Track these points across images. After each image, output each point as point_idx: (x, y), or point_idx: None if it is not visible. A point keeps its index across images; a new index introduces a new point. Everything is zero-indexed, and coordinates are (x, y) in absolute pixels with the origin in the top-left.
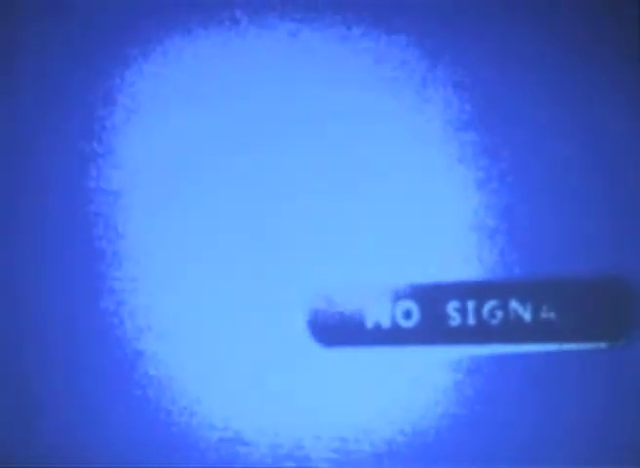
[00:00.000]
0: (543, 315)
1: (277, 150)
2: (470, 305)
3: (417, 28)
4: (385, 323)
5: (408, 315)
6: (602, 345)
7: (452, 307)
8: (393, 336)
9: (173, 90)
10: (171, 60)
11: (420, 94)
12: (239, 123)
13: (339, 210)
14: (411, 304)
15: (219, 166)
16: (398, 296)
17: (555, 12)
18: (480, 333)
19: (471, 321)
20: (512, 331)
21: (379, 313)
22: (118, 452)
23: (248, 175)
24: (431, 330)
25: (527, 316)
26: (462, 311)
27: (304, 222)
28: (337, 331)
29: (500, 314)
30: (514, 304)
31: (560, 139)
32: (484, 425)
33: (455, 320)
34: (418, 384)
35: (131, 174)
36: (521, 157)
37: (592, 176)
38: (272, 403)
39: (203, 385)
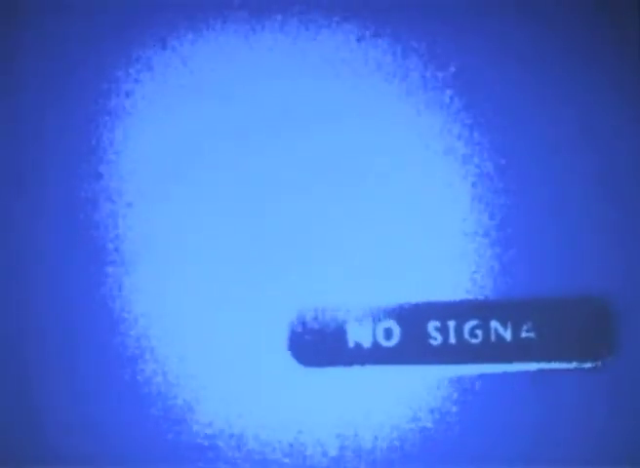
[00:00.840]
0: (524, 335)
1: (270, 156)
2: (451, 325)
3: (417, 28)
4: (366, 342)
5: (389, 334)
6: (582, 365)
7: (432, 327)
8: (374, 356)
9: (173, 89)
10: (171, 60)
11: (419, 97)
12: (236, 125)
13: (322, 229)
14: (392, 324)
15: (213, 172)
16: (379, 316)
17: (555, 12)
18: (461, 353)
19: (452, 340)
20: (493, 350)
21: (360, 332)
22: (116, 452)
23: (237, 189)
24: (412, 349)
25: (507, 335)
26: (443, 331)
27: (287, 242)
28: (317, 350)
29: (480, 333)
30: (495, 324)
31: (543, 159)
32: (466, 442)
33: (435, 339)
34: (398, 403)
35: (130, 173)
36: (505, 179)
37: (573, 198)
38: (253, 420)
39: (189, 395)
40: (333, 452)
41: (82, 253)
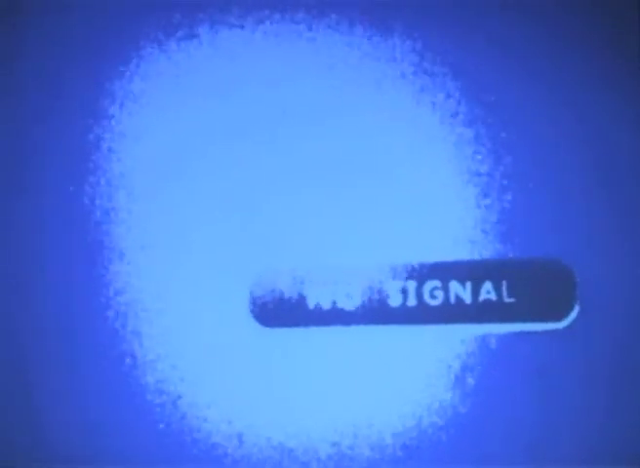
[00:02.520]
0: (484, 296)
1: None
2: (411, 286)
3: (416, 28)
4: (326, 304)
5: (349, 296)
6: (542, 326)
7: (392, 288)
8: (334, 317)
9: (173, 89)
10: (171, 60)
11: (411, 83)
12: (235, 124)
13: (282, 192)
14: (352, 285)
15: (211, 169)
16: (339, 278)
17: (555, 11)
18: (420, 314)
19: (412, 302)
20: (453, 312)
21: (320, 294)
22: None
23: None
24: (372, 310)
25: (467, 297)
26: (403, 292)
27: (247, 205)
28: (278, 312)
29: (440, 295)
30: (455, 285)
31: (514, 126)
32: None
33: (395, 301)
34: (357, 364)
35: (130, 172)
36: (473, 145)
37: (535, 163)
38: (213, 381)
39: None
40: (292, 413)
41: (82, 253)
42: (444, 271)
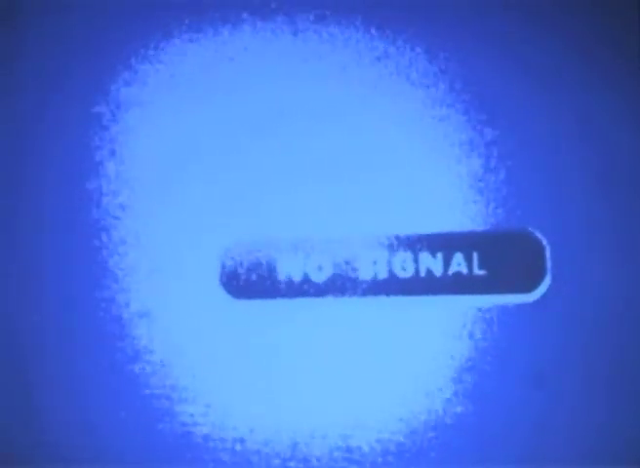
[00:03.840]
0: (455, 268)
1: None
2: (381, 258)
3: (416, 28)
4: (297, 276)
5: (320, 268)
6: (512, 298)
7: (363, 260)
8: (305, 289)
9: (173, 88)
10: (171, 60)
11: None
12: (235, 123)
13: (253, 163)
14: (323, 258)
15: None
16: (310, 250)
17: (555, 12)
18: (391, 286)
19: (382, 274)
20: (423, 284)
21: (290, 266)
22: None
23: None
24: (342, 283)
25: (438, 270)
26: (374, 264)
27: (219, 176)
28: (249, 283)
29: (410, 267)
30: (425, 257)
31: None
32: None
33: (366, 273)
34: (328, 335)
35: (130, 172)
36: (447, 121)
37: (505, 135)
38: (185, 353)
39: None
40: (262, 382)
41: (82, 253)
42: (415, 243)
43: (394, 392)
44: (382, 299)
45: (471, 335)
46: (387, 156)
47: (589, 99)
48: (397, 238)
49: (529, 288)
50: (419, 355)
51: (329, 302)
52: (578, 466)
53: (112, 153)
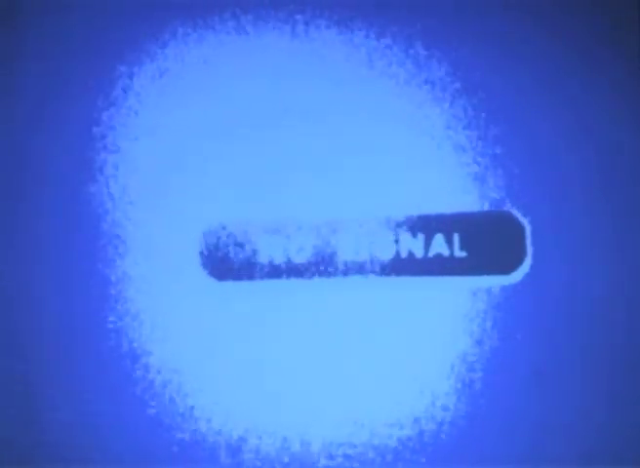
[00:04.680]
0: (435, 250)
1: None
2: (362, 240)
3: (416, 28)
4: (279, 257)
5: (301, 250)
6: (493, 279)
7: (344, 242)
8: (285, 271)
9: (173, 88)
10: (171, 59)
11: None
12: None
13: (234, 146)
14: (304, 239)
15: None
16: (291, 231)
17: (555, 12)
18: (372, 268)
19: (363, 255)
20: (404, 265)
21: (272, 247)
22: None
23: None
24: (324, 264)
25: (419, 251)
26: (355, 246)
27: (200, 159)
28: (230, 265)
29: (391, 249)
30: (406, 239)
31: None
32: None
33: (347, 254)
34: (310, 316)
35: (130, 171)
36: (428, 103)
37: (490, 118)
38: (165, 335)
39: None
40: (244, 365)
41: (82, 254)
42: (396, 225)
43: (374, 370)
44: (364, 280)
45: (453, 316)
46: (368, 139)
47: (574, 84)
48: (378, 219)
49: (509, 269)
50: (400, 335)
51: (310, 284)
52: (578, 466)
53: (105, 146)
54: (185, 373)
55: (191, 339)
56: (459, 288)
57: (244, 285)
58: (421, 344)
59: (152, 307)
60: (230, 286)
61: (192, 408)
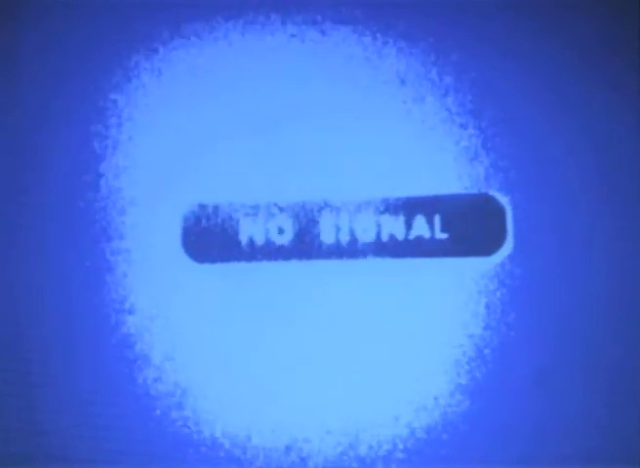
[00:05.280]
0: (416, 231)
1: None
2: (343, 222)
3: (415, 29)
4: (259, 239)
5: (281, 231)
6: (474, 261)
7: (325, 224)
8: (267, 252)
9: (174, 88)
10: (173, 59)
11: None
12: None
13: (214, 127)
14: (284, 220)
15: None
16: (272, 213)
17: (556, 12)
18: (353, 249)
19: (344, 237)
20: (385, 247)
21: (252, 229)
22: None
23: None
24: (304, 246)
25: (400, 233)
26: (336, 228)
27: (180, 139)
28: (210, 247)
29: (372, 231)
30: (386, 220)
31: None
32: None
33: (328, 236)
34: (290, 299)
35: (130, 172)
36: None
37: (471, 102)
38: (146, 317)
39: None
40: (226, 349)
41: (82, 254)
42: (377, 206)
43: (354, 353)
44: (344, 263)
45: (434, 298)
46: (350, 119)
47: (557, 67)
48: (359, 201)
49: (490, 251)
50: (381, 317)
51: (291, 265)
52: (578, 466)
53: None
54: (160, 353)
55: (168, 319)
56: (440, 269)
57: (225, 267)
58: (404, 327)
59: (130, 286)
60: (211, 268)
61: (182, 395)
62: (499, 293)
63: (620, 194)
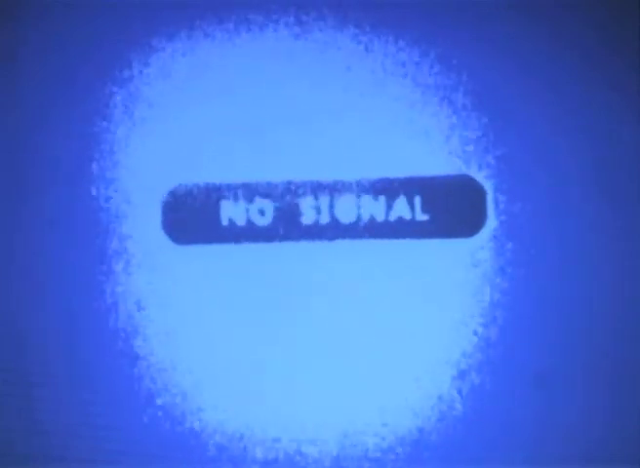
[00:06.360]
0: (397, 213)
1: None
2: (323, 203)
3: (416, 29)
4: (240, 220)
5: (262, 212)
6: (454, 242)
7: (305, 205)
8: (247, 234)
9: (175, 88)
10: (174, 59)
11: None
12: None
13: (195, 108)
14: (265, 202)
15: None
16: (252, 194)
17: (555, 11)
18: (333, 230)
19: (325, 218)
20: (365, 227)
21: (233, 210)
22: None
23: None
24: (285, 227)
25: (380, 214)
26: (316, 209)
27: (161, 120)
28: (191, 228)
29: (353, 211)
30: (367, 202)
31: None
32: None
33: (308, 217)
34: (272, 281)
35: (131, 172)
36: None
37: (452, 85)
38: (128, 298)
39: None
40: (208, 329)
41: (83, 254)
42: (358, 188)
43: (336, 334)
44: (325, 244)
45: (415, 279)
46: (331, 101)
47: (555, 64)
48: (340, 183)
49: (471, 232)
50: (362, 298)
51: (271, 247)
52: (578, 466)
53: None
54: (142, 334)
55: (149, 301)
56: (421, 251)
57: (205, 248)
58: (385, 308)
59: (110, 267)
60: (190, 249)
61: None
62: (479, 274)
63: (621, 194)
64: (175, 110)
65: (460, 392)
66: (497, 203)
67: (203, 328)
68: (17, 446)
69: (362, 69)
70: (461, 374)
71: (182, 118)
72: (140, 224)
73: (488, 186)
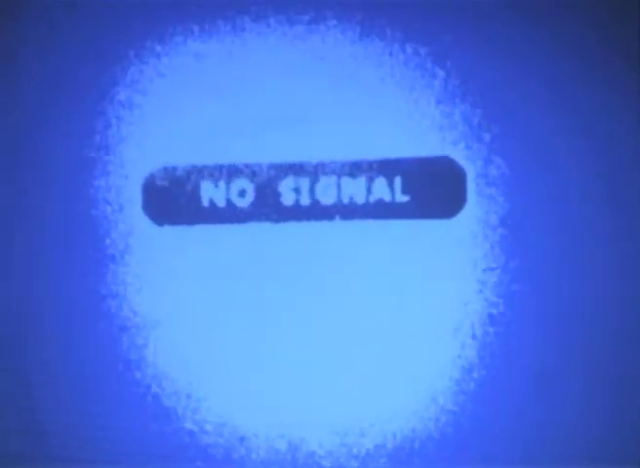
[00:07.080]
0: (377, 194)
1: None
2: (304, 184)
3: (416, 29)
4: (220, 201)
5: (242, 193)
6: (433, 223)
7: (285, 186)
8: (228, 214)
9: (176, 88)
10: (175, 59)
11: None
12: (238, 123)
13: (177, 91)
14: (245, 183)
15: None
16: (233, 175)
17: (555, 11)
18: (314, 212)
19: (305, 199)
20: (346, 209)
21: (214, 191)
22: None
23: None
24: (265, 208)
25: (360, 196)
26: (296, 190)
27: (142, 102)
28: (171, 209)
29: (333, 193)
30: (347, 183)
31: None
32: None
33: (288, 198)
34: (252, 261)
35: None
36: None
37: (432, 68)
38: (110, 281)
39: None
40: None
41: (83, 255)
42: (338, 169)
43: (319, 316)
44: (305, 225)
45: (396, 260)
46: (311, 82)
47: (555, 64)
48: (320, 164)
49: (451, 213)
50: (343, 279)
51: (252, 228)
52: (578, 466)
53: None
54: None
55: (130, 282)
56: (401, 232)
57: (185, 229)
58: (366, 289)
59: (91, 248)
60: (171, 230)
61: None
62: (460, 256)
63: (620, 193)
64: (159, 95)
65: (457, 385)
66: (477, 184)
67: (186, 311)
68: (17, 446)
69: (342, 55)
70: (454, 364)
71: (164, 100)
72: (121, 205)
73: (468, 168)
